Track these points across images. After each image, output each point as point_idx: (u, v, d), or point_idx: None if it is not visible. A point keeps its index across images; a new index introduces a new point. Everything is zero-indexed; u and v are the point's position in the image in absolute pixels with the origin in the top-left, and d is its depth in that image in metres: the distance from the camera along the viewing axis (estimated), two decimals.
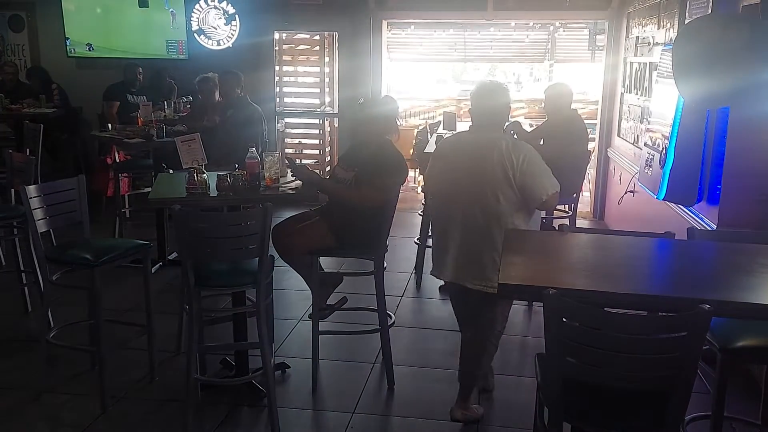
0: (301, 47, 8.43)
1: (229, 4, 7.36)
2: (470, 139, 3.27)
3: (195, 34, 7.43)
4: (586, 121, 5.87)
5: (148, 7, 7.37)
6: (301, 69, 8.42)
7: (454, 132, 6.25)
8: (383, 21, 7.47)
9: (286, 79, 8.25)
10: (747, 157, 3.73)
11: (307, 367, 3.57)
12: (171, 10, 7.42)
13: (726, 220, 3.75)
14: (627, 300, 2.16)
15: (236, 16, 7.37)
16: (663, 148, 4.30)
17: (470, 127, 3.33)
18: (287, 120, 8.32)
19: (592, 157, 6.67)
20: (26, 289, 4.46)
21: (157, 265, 5.17)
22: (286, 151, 8.00)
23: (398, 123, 4.03)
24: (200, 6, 7.38)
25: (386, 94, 7.19)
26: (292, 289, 4.69)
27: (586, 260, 2.68)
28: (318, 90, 8.27)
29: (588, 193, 7.46)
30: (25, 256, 4.37)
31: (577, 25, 12.03)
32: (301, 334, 4.05)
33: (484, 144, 3.14)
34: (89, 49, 7.60)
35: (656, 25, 5.34)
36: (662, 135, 4.38)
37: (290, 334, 4.16)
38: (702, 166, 4.05)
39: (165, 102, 6.48)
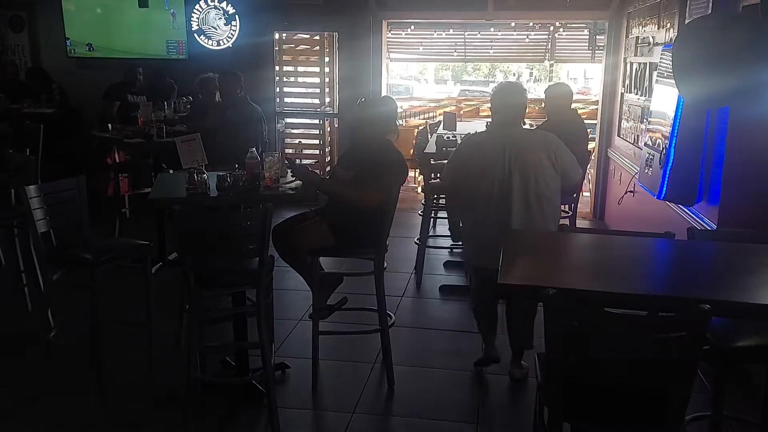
0: (301, 47, 8.43)
1: (229, 4, 7.36)
2: (506, 134, 3.55)
3: (195, 34, 7.43)
4: (586, 121, 5.87)
5: (148, 7, 7.37)
6: (301, 69, 8.42)
7: (455, 131, 6.27)
8: (383, 21, 7.47)
9: (286, 79, 8.25)
10: (747, 157, 3.73)
11: (307, 367, 3.57)
12: (171, 10, 7.42)
13: (726, 220, 3.75)
14: (627, 300, 2.16)
15: (236, 16, 7.37)
16: (663, 148, 4.30)
17: (492, 124, 3.69)
18: (287, 120, 8.32)
19: (592, 157, 6.68)
20: (26, 289, 4.46)
21: (157, 265, 5.16)
22: (286, 151, 8.00)
23: (397, 123, 4.04)
24: (200, 6, 7.38)
25: (385, 95, 7.21)
26: (292, 289, 4.69)
27: (586, 260, 2.68)
28: (318, 90, 8.27)
29: (588, 193, 7.46)
30: (25, 256, 4.37)
31: (577, 25, 12.03)
32: (301, 334, 4.05)
33: (525, 137, 3.59)
34: (89, 49, 7.60)
35: (656, 25, 5.34)
36: (662, 135, 4.38)
37: (290, 334, 4.16)
38: (702, 166, 4.05)
39: (165, 102, 6.48)
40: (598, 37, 10.86)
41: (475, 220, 3.59)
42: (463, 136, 4.52)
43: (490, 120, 3.79)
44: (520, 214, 3.47)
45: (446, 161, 3.85)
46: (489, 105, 3.69)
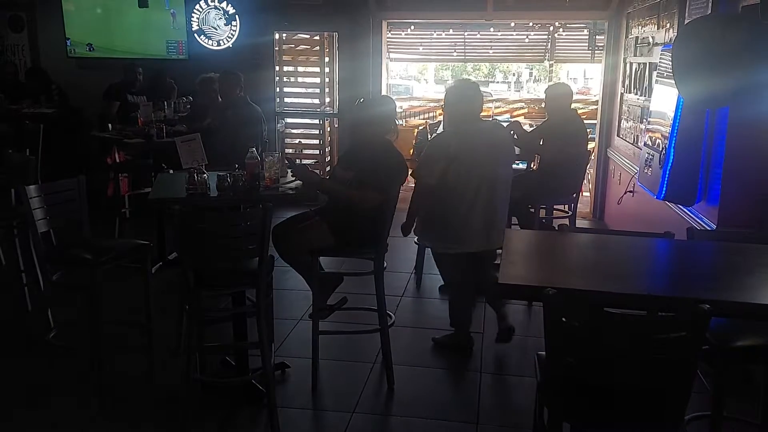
0: (301, 47, 8.44)
1: (229, 5, 7.36)
2: (480, 129, 3.85)
3: (195, 35, 7.43)
4: (585, 121, 5.87)
5: (148, 7, 7.37)
6: (301, 69, 8.43)
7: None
8: (383, 21, 7.47)
9: (286, 79, 8.25)
10: (747, 157, 3.73)
11: (307, 367, 3.57)
12: (171, 10, 7.42)
13: (725, 220, 3.75)
14: (627, 300, 2.16)
15: (236, 16, 7.37)
16: (663, 148, 4.31)
17: (462, 122, 3.81)
18: (287, 120, 8.32)
19: (592, 157, 6.68)
20: (26, 289, 4.46)
21: (157, 265, 5.17)
22: (286, 151, 8.00)
23: (397, 123, 4.06)
24: (200, 6, 7.38)
25: (384, 94, 7.21)
26: (292, 289, 4.70)
27: (586, 260, 2.68)
28: (318, 90, 8.27)
29: (588, 193, 7.46)
30: (25, 256, 4.37)
31: (576, 25, 12.03)
32: (301, 334, 4.05)
33: (496, 131, 4.04)
34: (89, 49, 7.60)
35: (656, 26, 5.34)
36: (662, 135, 4.39)
37: (290, 334, 4.16)
38: (702, 166, 4.06)
39: (165, 102, 6.48)
40: (597, 37, 10.87)
41: (461, 213, 3.76)
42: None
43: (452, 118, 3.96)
44: (504, 205, 3.84)
45: (423, 161, 3.91)
46: (446, 104, 3.95)
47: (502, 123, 6.38)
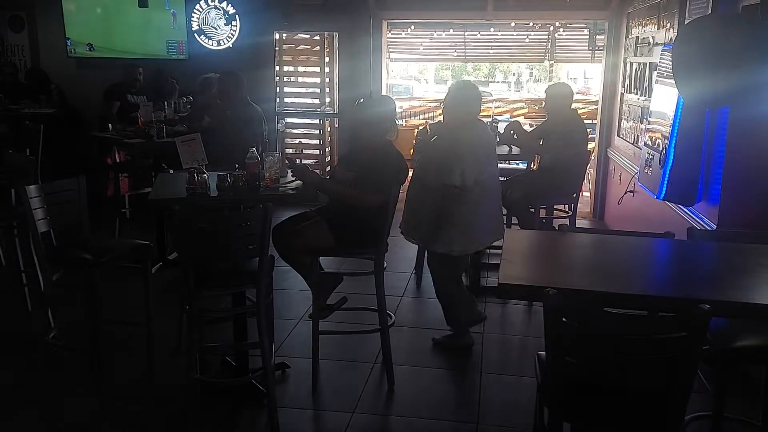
0: (301, 47, 8.44)
1: (230, 5, 7.36)
2: (480, 129, 4.00)
3: (195, 34, 7.43)
4: (586, 121, 5.87)
5: (147, 7, 7.37)
6: (301, 69, 8.43)
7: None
8: (383, 21, 7.47)
9: (286, 79, 8.25)
10: (747, 157, 3.73)
11: (307, 367, 3.57)
12: (171, 10, 7.42)
13: (726, 220, 3.75)
14: (627, 300, 2.16)
15: (236, 16, 7.38)
16: (663, 148, 4.31)
17: (468, 122, 3.88)
18: (287, 120, 8.32)
19: (592, 157, 6.68)
20: (26, 289, 4.46)
21: (157, 265, 5.16)
22: (286, 151, 8.00)
23: (396, 122, 4.07)
24: (200, 6, 7.39)
25: (384, 94, 7.21)
26: (292, 289, 4.70)
27: (586, 260, 2.68)
28: (318, 90, 8.27)
29: (588, 193, 7.46)
30: (25, 256, 4.37)
31: (576, 25, 12.04)
32: (301, 334, 4.05)
33: (488, 130, 4.23)
34: (89, 49, 7.60)
35: (656, 26, 5.34)
36: (662, 135, 4.39)
37: (290, 334, 4.16)
38: (702, 166, 4.06)
39: (165, 102, 6.48)
40: (597, 37, 10.88)
41: (482, 212, 3.81)
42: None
43: (473, 118, 4.01)
44: (496, 199, 3.98)
45: (448, 169, 3.76)
46: (448, 104, 4.00)
47: (502, 123, 6.38)
